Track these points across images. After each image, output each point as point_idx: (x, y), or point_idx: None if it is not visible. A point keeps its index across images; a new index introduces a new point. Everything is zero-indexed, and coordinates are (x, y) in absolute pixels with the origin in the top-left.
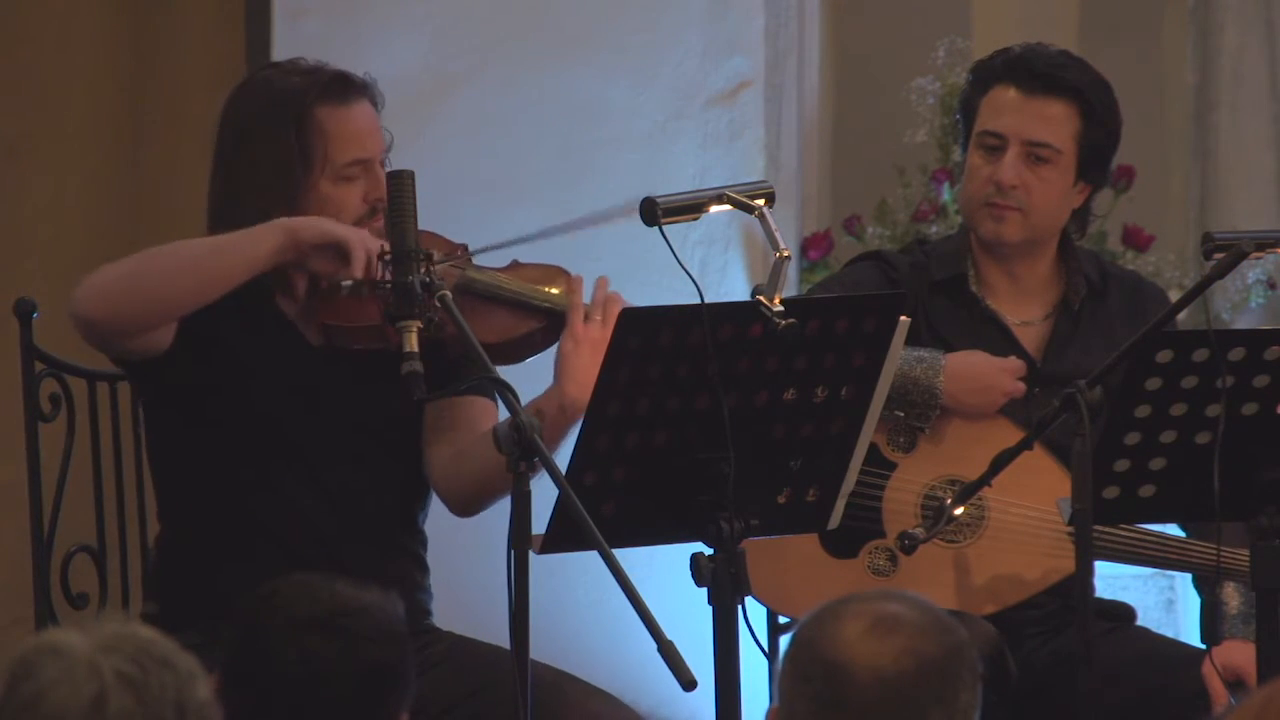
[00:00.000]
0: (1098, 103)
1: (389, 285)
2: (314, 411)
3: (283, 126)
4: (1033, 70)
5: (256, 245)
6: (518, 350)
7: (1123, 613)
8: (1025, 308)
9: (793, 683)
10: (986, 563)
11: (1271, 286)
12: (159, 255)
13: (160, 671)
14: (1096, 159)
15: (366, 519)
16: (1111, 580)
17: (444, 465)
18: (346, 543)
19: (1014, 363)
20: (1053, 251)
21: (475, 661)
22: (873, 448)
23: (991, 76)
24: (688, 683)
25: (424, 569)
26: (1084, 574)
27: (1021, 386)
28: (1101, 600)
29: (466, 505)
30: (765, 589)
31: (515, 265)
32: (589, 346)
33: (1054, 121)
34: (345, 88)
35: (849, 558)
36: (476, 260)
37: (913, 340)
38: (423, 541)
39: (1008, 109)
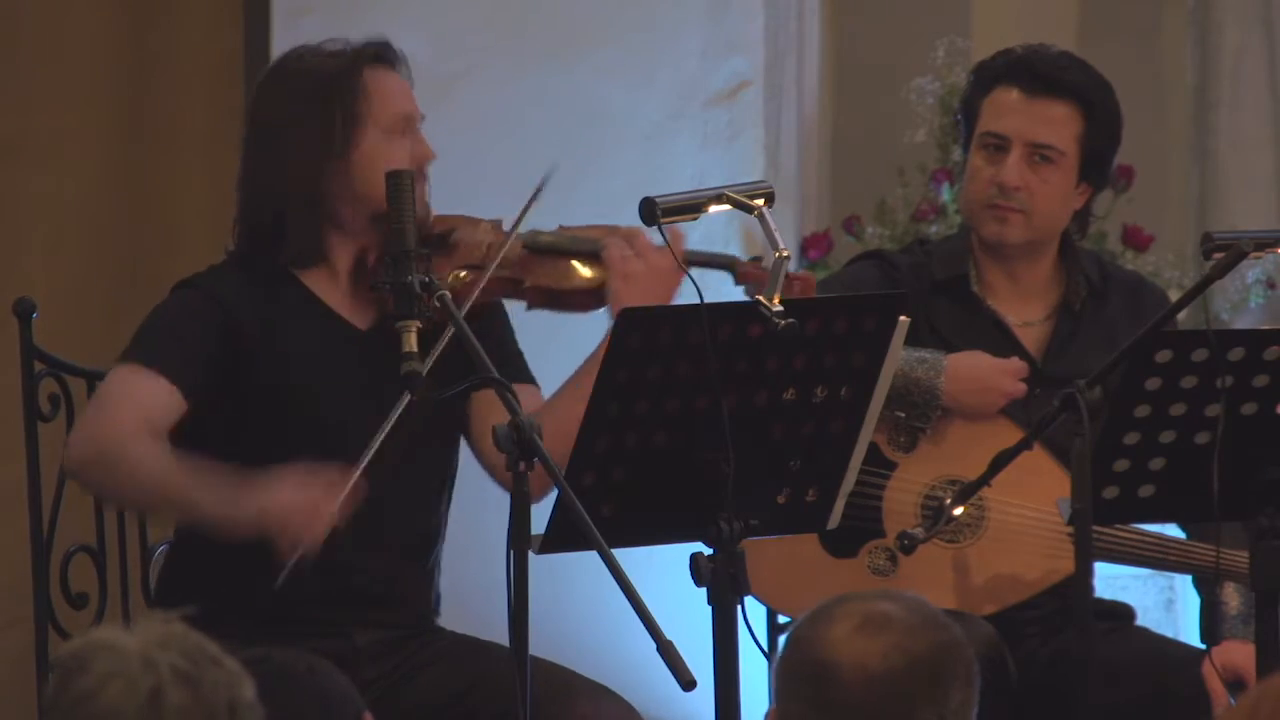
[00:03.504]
0: (1100, 104)
1: (389, 285)
2: (351, 403)
3: (335, 87)
4: (1035, 71)
5: (226, 521)
6: (595, 298)
7: (1122, 613)
8: (1026, 308)
9: (785, 683)
10: (986, 563)
11: (1271, 286)
12: (136, 471)
13: (213, 669)
14: (1098, 160)
15: (388, 521)
16: (1111, 580)
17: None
18: (363, 549)
19: (1015, 364)
20: (1054, 252)
21: (472, 657)
22: (873, 447)
23: (993, 77)
24: (687, 683)
25: (438, 568)
26: (1084, 574)
27: (1022, 387)
28: (1101, 600)
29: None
30: (765, 588)
31: (563, 230)
32: (638, 280)
33: (1056, 123)
34: (388, 55)
35: (849, 557)
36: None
37: (913, 340)
38: (439, 544)
39: (1010, 110)
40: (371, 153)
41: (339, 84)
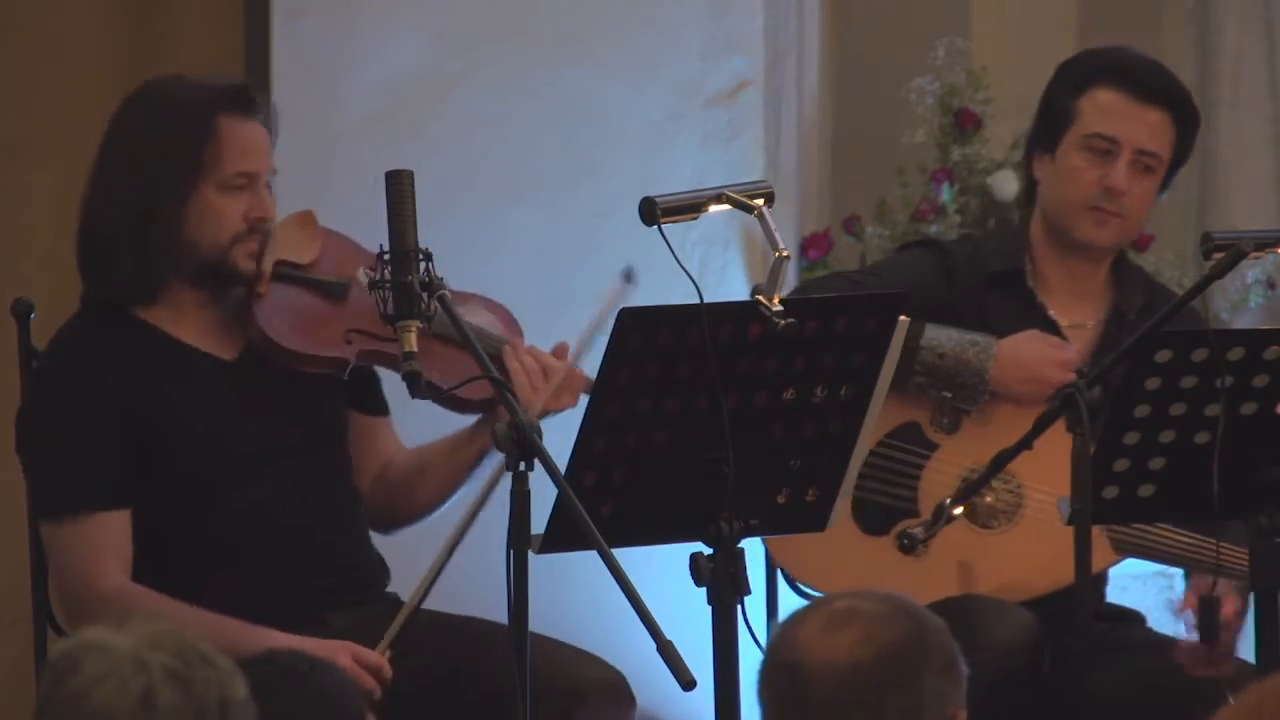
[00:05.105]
0: (1191, 112)
1: (388, 285)
2: (229, 435)
3: (183, 130)
4: (1133, 75)
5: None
6: (461, 407)
7: (1131, 618)
8: (1079, 310)
9: (762, 691)
10: (1017, 551)
11: (1271, 286)
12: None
13: (204, 668)
14: (1177, 168)
15: (344, 505)
16: (1112, 580)
17: (373, 480)
18: (326, 535)
19: (1069, 353)
20: (1113, 258)
21: (461, 638)
22: (914, 427)
23: (1087, 78)
24: (687, 683)
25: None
26: (1084, 574)
27: (1072, 378)
28: (1109, 605)
29: (390, 520)
30: (796, 563)
31: (474, 299)
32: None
33: (1158, 130)
34: (248, 103)
35: (880, 535)
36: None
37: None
38: (364, 513)
39: (1117, 114)
40: (201, 204)
41: (188, 126)
